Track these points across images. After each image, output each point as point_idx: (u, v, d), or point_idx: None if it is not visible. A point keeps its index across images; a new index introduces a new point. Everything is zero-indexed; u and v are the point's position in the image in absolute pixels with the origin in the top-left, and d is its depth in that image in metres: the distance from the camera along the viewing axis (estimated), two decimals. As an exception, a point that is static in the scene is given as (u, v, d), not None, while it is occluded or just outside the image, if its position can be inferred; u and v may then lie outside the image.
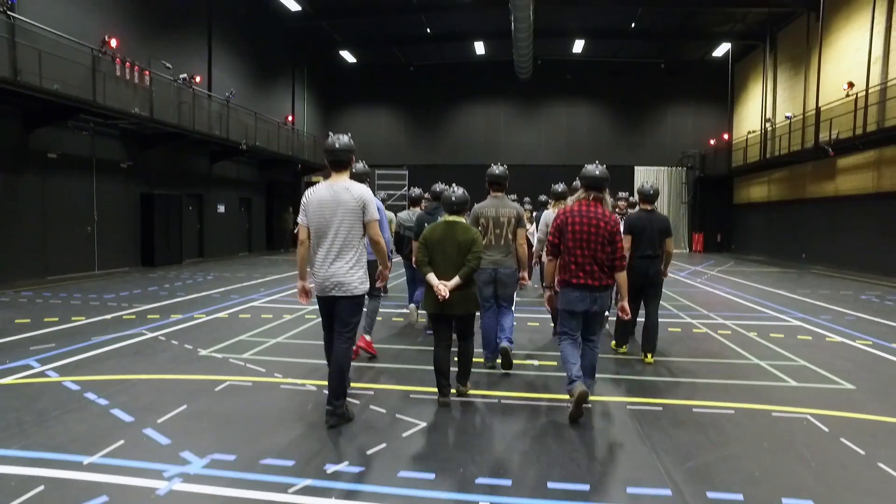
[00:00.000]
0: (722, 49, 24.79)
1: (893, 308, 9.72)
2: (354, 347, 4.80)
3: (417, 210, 7.55)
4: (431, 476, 3.19)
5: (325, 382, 4.03)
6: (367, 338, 5.76)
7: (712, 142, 26.11)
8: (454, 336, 4.54)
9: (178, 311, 8.38)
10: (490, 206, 5.31)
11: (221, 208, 19.30)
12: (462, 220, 4.54)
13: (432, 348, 4.45)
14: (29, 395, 4.46)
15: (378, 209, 5.28)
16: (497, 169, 5.43)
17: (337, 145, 3.96)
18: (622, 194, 8.18)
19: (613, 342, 6.26)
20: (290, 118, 24.16)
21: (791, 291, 11.83)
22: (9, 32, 10.74)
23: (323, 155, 4.15)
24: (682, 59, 26.55)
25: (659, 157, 26.82)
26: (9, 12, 10.67)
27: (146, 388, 4.68)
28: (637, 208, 6.09)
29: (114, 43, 13.43)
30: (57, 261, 12.40)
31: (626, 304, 4.33)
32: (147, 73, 14.52)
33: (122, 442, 3.56)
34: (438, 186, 6.58)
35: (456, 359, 4.59)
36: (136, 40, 14.86)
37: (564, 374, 4.16)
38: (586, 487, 3.08)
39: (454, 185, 4.80)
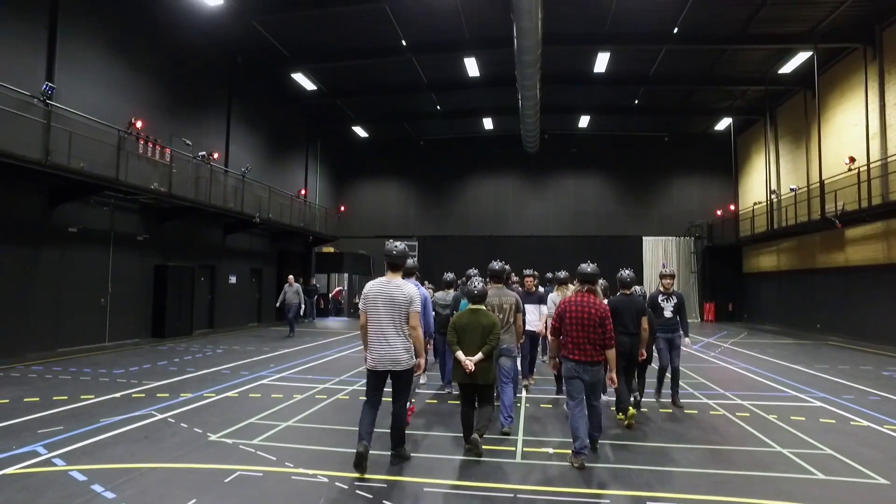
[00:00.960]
0: (724, 123, 25.51)
1: (917, 387, 9.44)
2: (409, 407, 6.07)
3: (451, 292, 8.49)
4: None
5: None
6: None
7: (719, 212, 26.38)
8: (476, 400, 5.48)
9: (187, 389, 8.31)
10: (494, 295, 6.46)
11: (233, 279, 19.48)
12: (483, 307, 5.54)
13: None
14: (34, 488, 4.37)
15: (424, 297, 6.25)
16: (496, 265, 6.55)
17: (395, 252, 5.01)
18: (527, 272, 9.42)
19: (619, 414, 6.49)
20: (303, 191, 24.80)
21: (809, 367, 11.57)
22: (45, 118, 11.36)
23: (383, 257, 5.12)
24: (685, 133, 27.33)
25: (666, 228, 27.05)
26: (47, 101, 11.33)
27: (154, 479, 4.59)
28: (619, 293, 6.95)
29: (139, 124, 14.10)
30: (68, 333, 12.45)
31: (614, 375, 5.28)
32: (167, 150, 15.13)
33: (128, 543, 3.46)
34: (471, 272, 7.88)
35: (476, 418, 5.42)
36: (160, 119, 15.58)
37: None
38: None
39: (476, 278, 5.84)
